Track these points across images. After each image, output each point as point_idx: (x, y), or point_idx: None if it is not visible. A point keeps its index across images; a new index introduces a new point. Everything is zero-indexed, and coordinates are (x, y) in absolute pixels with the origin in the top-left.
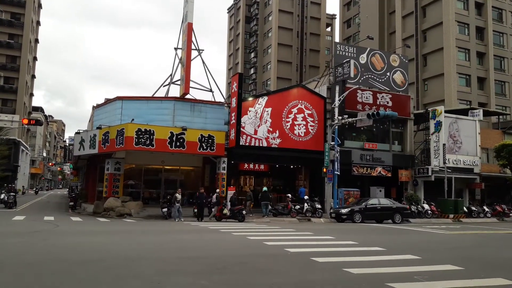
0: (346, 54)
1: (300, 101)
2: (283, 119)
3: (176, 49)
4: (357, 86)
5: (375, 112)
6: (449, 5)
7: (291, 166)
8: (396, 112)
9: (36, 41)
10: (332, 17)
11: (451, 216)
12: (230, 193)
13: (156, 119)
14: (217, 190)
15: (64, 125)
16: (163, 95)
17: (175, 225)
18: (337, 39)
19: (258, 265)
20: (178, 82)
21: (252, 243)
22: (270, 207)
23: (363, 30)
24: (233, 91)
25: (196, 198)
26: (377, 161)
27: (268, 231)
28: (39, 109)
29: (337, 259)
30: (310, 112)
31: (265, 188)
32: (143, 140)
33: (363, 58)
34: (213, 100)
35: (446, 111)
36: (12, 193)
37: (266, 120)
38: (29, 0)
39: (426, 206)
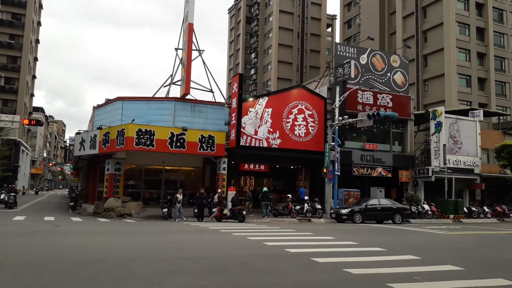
0: (347, 54)
1: (301, 102)
2: (284, 120)
3: (176, 49)
4: (358, 86)
5: (375, 113)
6: (449, 5)
7: (292, 167)
8: (397, 113)
9: (37, 41)
10: (333, 17)
11: (451, 216)
12: (231, 193)
13: (157, 120)
14: (219, 190)
15: (64, 126)
16: (164, 96)
17: (175, 226)
18: (337, 39)
19: (258, 265)
20: (179, 83)
21: (252, 243)
22: (269, 207)
23: (363, 31)
24: (233, 91)
25: (196, 198)
26: (378, 162)
27: (268, 232)
28: (39, 110)
29: (337, 259)
30: (310, 112)
31: (265, 189)
32: (143, 141)
33: (363, 59)
34: (213, 100)
35: (446, 112)
36: (12, 193)
37: (267, 120)
38: (30, 1)
39: (426, 207)
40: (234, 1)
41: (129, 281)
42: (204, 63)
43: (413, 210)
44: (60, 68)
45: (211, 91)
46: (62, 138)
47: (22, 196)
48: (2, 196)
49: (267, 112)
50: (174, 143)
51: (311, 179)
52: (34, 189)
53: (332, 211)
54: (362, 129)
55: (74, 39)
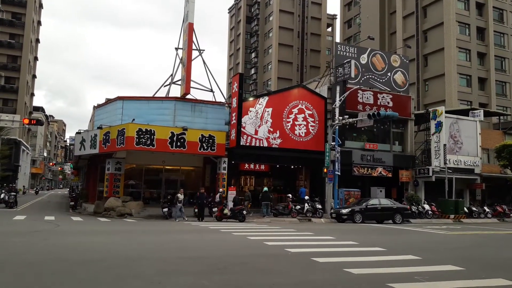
0: (347, 54)
1: (301, 101)
2: (284, 119)
3: (177, 49)
4: (358, 86)
5: (375, 113)
6: (450, 5)
7: (292, 166)
8: (397, 113)
9: (37, 41)
10: (333, 17)
11: (452, 216)
12: (232, 193)
13: (157, 119)
14: (220, 190)
15: (65, 125)
16: (164, 95)
17: (176, 225)
18: (337, 39)
19: (258, 265)
20: (179, 82)
21: (252, 243)
22: (270, 207)
23: (363, 31)
24: (233, 91)
25: (196, 198)
26: (378, 162)
27: (268, 231)
28: (40, 109)
29: (337, 259)
30: (310, 112)
31: (265, 188)
32: (143, 140)
33: (363, 59)
34: (213, 100)
35: (446, 112)
36: (12, 193)
37: (267, 120)
38: (30, 0)
39: (426, 207)
40: (234, 1)
41: (129, 280)
42: (204, 62)
43: (413, 210)
44: (61, 68)
45: (211, 90)
46: (62, 137)
47: (22, 195)
48: (3, 195)
49: (268, 111)
50: (174, 143)
51: (312, 179)
52: (34, 189)
53: (332, 211)
54: (363, 129)
55: (74, 38)
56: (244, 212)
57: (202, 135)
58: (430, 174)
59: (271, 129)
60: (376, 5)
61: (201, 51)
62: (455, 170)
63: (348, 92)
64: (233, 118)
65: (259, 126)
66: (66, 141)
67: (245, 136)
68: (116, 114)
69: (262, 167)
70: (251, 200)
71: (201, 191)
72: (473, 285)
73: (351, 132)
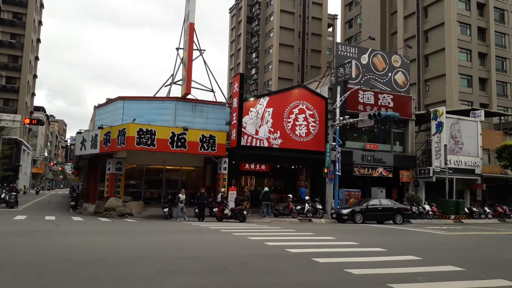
0: (348, 54)
1: (302, 102)
2: (284, 120)
3: (177, 49)
4: (359, 86)
5: (376, 113)
6: (450, 5)
7: (292, 167)
8: (398, 113)
9: (38, 40)
10: (334, 17)
11: (452, 217)
12: (232, 193)
13: (158, 119)
14: (222, 190)
15: (65, 125)
16: (165, 95)
17: (176, 225)
18: (338, 39)
19: (259, 265)
20: (180, 82)
21: (253, 243)
22: (270, 207)
23: (364, 31)
24: (234, 91)
25: (197, 198)
26: (378, 162)
27: (269, 232)
28: (40, 109)
29: (338, 259)
30: (311, 112)
31: (266, 189)
32: (144, 140)
33: (364, 59)
34: (214, 100)
35: (447, 112)
36: (13, 193)
37: (268, 120)
38: (31, 0)
39: (427, 207)
40: (235, 1)
41: (129, 280)
42: (205, 62)
43: (414, 210)
44: (61, 68)
45: (212, 90)
46: (63, 137)
47: (23, 195)
48: (3, 195)
49: (268, 112)
50: (175, 143)
51: (312, 179)
52: (35, 189)
53: (333, 211)
54: (363, 129)
55: (74, 38)
56: (245, 212)
57: (202, 135)
58: (431, 174)
59: (272, 129)
60: (377, 5)
61: (202, 51)
62: (456, 170)
63: (348, 92)
64: (234, 118)
65: (259, 126)
66: (66, 141)
67: (245, 136)
68: (116, 114)
69: (263, 167)
70: (249, 200)
71: (201, 191)
72: (474, 286)
73: (352, 132)
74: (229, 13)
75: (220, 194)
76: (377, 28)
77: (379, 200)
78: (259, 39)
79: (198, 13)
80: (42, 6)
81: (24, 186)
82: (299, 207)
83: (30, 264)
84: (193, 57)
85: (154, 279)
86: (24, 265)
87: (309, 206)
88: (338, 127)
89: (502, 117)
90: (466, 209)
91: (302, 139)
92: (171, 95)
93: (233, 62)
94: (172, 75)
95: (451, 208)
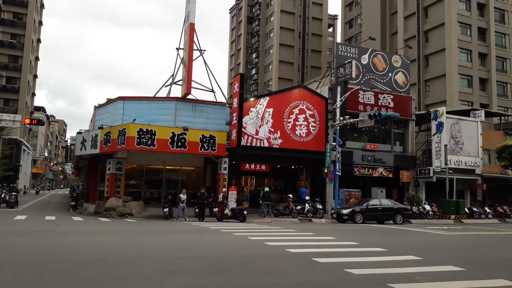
0: (348, 54)
1: (302, 102)
2: (285, 120)
3: (178, 49)
4: (359, 86)
5: (376, 113)
6: (451, 6)
7: (292, 167)
8: (398, 113)
9: (38, 41)
10: (334, 17)
11: (453, 217)
12: (233, 193)
13: (158, 119)
14: (224, 190)
15: (66, 125)
16: (165, 95)
17: (176, 225)
18: (338, 39)
19: (259, 265)
20: (180, 82)
21: (253, 243)
22: (270, 207)
23: (365, 31)
24: (234, 91)
25: (197, 198)
26: (379, 162)
27: (269, 232)
28: (41, 109)
29: (338, 259)
30: (311, 112)
31: (266, 189)
32: (144, 140)
33: (364, 59)
34: (214, 100)
35: (447, 112)
36: (13, 193)
37: (268, 120)
38: (32, 0)
39: (427, 207)
40: (235, 1)
41: (129, 281)
42: (205, 63)
43: (414, 210)
44: (61, 68)
45: (212, 91)
46: (63, 137)
47: (23, 195)
48: (4, 195)
49: (268, 112)
50: (175, 143)
51: (312, 179)
52: (35, 189)
53: (333, 211)
54: (363, 129)
55: (74, 38)
56: (245, 212)
57: (203, 135)
58: (431, 174)
59: (272, 129)
60: (377, 6)
61: (202, 51)
62: (456, 170)
63: (349, 92)
64: (234, 118)
65: (260, 126)
66: (67, 141)
67: (245, 136)
68: (117, 114)
69: (263, 167)
70: (248, 200)
71: (201, 191)
72: (474, 286)
73: (352, 132)
74: (229, 13)
75: (222, 194)
76: (377, 28)
77: (379, 200)
78: (259, 39)
79: (198, 13)
80: (42, 6)
81: (24, 186)
82: (299, 207)
83: (30, 264)
84: (193, 57)
85: (154, 279)
86: (24, 265)
87: (309, 206)
88: (338, 127)
89: (502, 117)
90: (466, 209)
91: (302, 139)
92: (171, 95)
93: (233, 62)
94: (172, 75)
95: (452, 208)
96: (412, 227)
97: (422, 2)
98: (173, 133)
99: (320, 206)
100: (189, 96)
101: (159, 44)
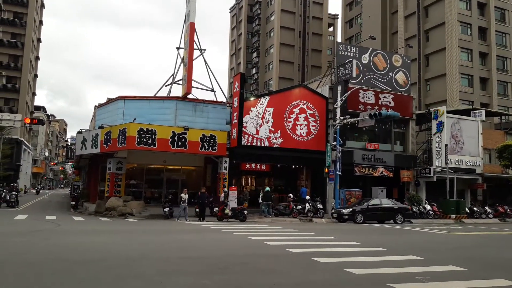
0: (348, 54)
1: (302, 101)
2: (285, 119)
3: (178, 48)
4: (359, 86)
5: (377, 112)
6: (451, 5)
7: (293, 166)
8: (398, 113)
9: (39, 40)
10: (334, 17)
11: (453, 216)
12: (233, 193)
13: (158, 119)
14: (225, 189)
15: (66, 125)
16: (165, 95)
17: (177, 225)
18: (339, 39)
19: (259, 265)
20: (180, 82)
21: (253, 243)
22: (271, 207)
23: (365, 30)
24: (235, 91)
25: (197, 198)
26: (379, 162)
27: (269, 231)
28: (41, 109)
29: (338, 259)
30: (312, 112)
31: (267, 188)
32: (145, 140)
33: (365, 58)
34: (215, 100)
35: (448, 112)
36: (14, 192)
37: (268, 120)
38: (32, 0)
39: (428, 207)
40: (236, 1)
41: (130, 280)
42: (205, 62)
43: (414, 210)
44: (62, 67)
45: (213, 90)
46: (63, 137)
47: (23, 195)
48: (4, 195)
49: (269, 111)
50: (175, 143)
51: (313, 178)
52: (36, 188)
53: (333, 211)
54: (364, 128)
55: (74, 38)
56: (245, 212)
57: (203, 134)
58: (432, 174)
59: (272, 129)
60: (377, 5)
61: (203, 51)
62: (457, 170)
63: (349, 92)
64: (234, 117)
65: (260, 126)
66: (67, 140)
67: (246, 136)
68: (117, 114)
69: (263, 167)
70: (247, 200)
71: (202, 191)
72: (474, 286)
73: (353, 132)
74: (230, 12)
75: (223, 193)
76: (378, 28)
77: (380, 199)
78: (259, 38)
79: (198, 13)
80: (42, 6)
81: (25, 185)
82: (299, 206)
83: (30, 264)
84: (194, 57)
85: (154, 279)
86: (24, 265)
87: (310, 205)
88: (338, 127)
89: (503, 117)
90: (466, 209)
91: (302, 139)
92: (171, 95)
93: (233, 61)
94: (173, 74)
95: (452, 207)
96: (413, 227)
97: (423, 2)
98: (173, 132)
99: (320, 206)
100: (190, 96)
101: (159, 44)
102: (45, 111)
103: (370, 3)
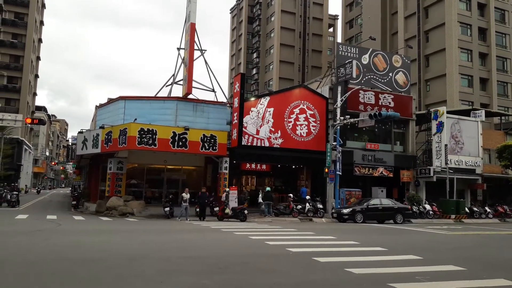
0: (348, 54)
1: (302, 102)
2: (285, 119)
3: (179, 49)
4: (359, 86)
5: (377, 113)
6: (451, 5)
7: (293, 166)
8: (398, 113)
9: (40, 40)
10: (335, 17)
11: (453, 216)
12: (233, 193)
13: (159, 119)
14: (226, 189)
15: (67, 125)
16: (166, 95)
17: (177, 225)
18: (339, 39)
19: (259, 265)
20: (181, 82)
21: (253, 242)
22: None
23: (365, 31)
24: (235, 91)
25: (198, 197)
26: (379, 162)
27: (269, 231)
28: (42, 109)
29: (338, 259)
30: (312, 112)
31: (268, 188)
32: (145, 140)
33: (365, 59)
34: (215, 100)
35: (448, 112)
36: (15, 192)
37: (268, 120)
38: (33, 0)
39: (427, 207)
40: (236, 1)
41: (130, 280)
42: (206, 62)
43: (414, 210)
44: (62, 67)
45: (213, 90)
46: (64, 137)
47: (24, 194)
48: (5, 194)
49: (269, 111)
50: (176, 143)
51: (313, 178)
52: (36, 188)
53: (333, 210)
54: (364, 129)
55: (74, 38)
56: (246, 211)
57: (203, 135)
58: (431, 174)
59: (273, 129)
60: (377, 6)
61: (203, 51)
62: (456, 170)
63: (349, 92)
64: (235, 118)
65: (260, 126)
66: (68, 140)
67: (246, 136)
68: (118, 114)
69: (264, 167)
70: (246, 199)
71: (202, 191)
72: (474, 285)
73: (353, 132)
74: (230, 13)
75: (225, 193)
76: (378, 28)
77: (380, 199)
78: (260, 39)
79: (199, 13)
80: (43, 6)
81: (26, 185)
82: (299, 206)
83: (30, 263)
84: (194, 57)
85: (154, 278)
86: (24, 265)
87: (310, 205)
88: (338, 127)
89: (503, 117)
90: (466, 209)
91: (303, 139)
92: (172, 95)
93: (234, 62)
94: (173, 75)
95: (452, 207)
96: (413, 227)
97: (423, 2)
98: (174, 132)
99: (320, 206)
100: (190, 96)
101: (160, 44)
102: (46, 111)
103: (370, 4)
